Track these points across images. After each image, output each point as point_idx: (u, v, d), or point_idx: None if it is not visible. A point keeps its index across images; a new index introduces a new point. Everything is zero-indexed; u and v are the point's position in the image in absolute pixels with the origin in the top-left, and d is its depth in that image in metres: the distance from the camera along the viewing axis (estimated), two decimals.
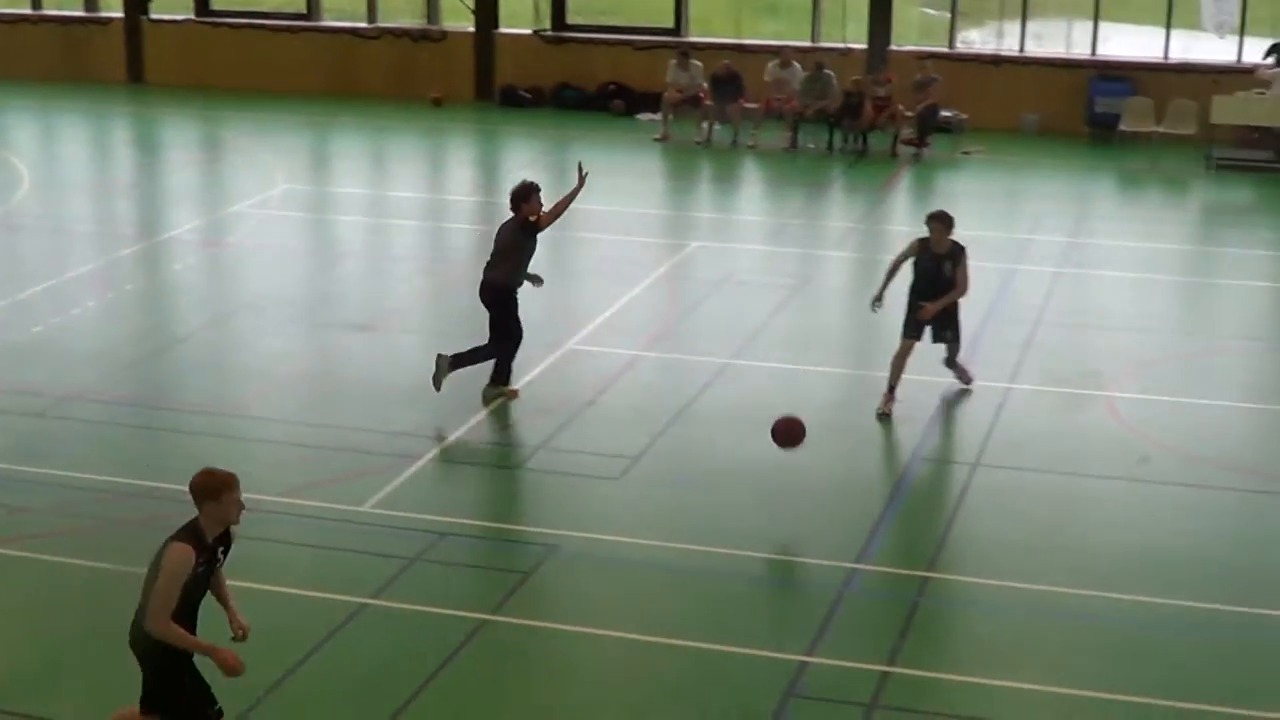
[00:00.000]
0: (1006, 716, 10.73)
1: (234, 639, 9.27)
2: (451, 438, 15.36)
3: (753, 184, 29.15)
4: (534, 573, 12.64)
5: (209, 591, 9.17)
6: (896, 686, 11.05)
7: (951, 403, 16.46)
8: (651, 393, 16.82)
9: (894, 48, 32.54)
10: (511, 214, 16.26)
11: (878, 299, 16.27)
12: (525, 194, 16.12)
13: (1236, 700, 10.89)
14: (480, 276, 16.47)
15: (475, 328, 18.85)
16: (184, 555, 8.69)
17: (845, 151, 30.06)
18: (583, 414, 16.15)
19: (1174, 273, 22.55)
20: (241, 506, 8.91)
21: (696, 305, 19.99)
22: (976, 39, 34.29)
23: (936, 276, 15.99)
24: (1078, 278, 21.70)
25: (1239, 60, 31.41)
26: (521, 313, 16.43)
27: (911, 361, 16.14)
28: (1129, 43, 33.12)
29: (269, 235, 23.37)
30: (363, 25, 35.98)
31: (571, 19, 34.97)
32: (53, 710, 10.63)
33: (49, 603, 12.19)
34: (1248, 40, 31.62)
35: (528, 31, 35.04)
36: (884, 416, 16.01)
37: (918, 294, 16.11)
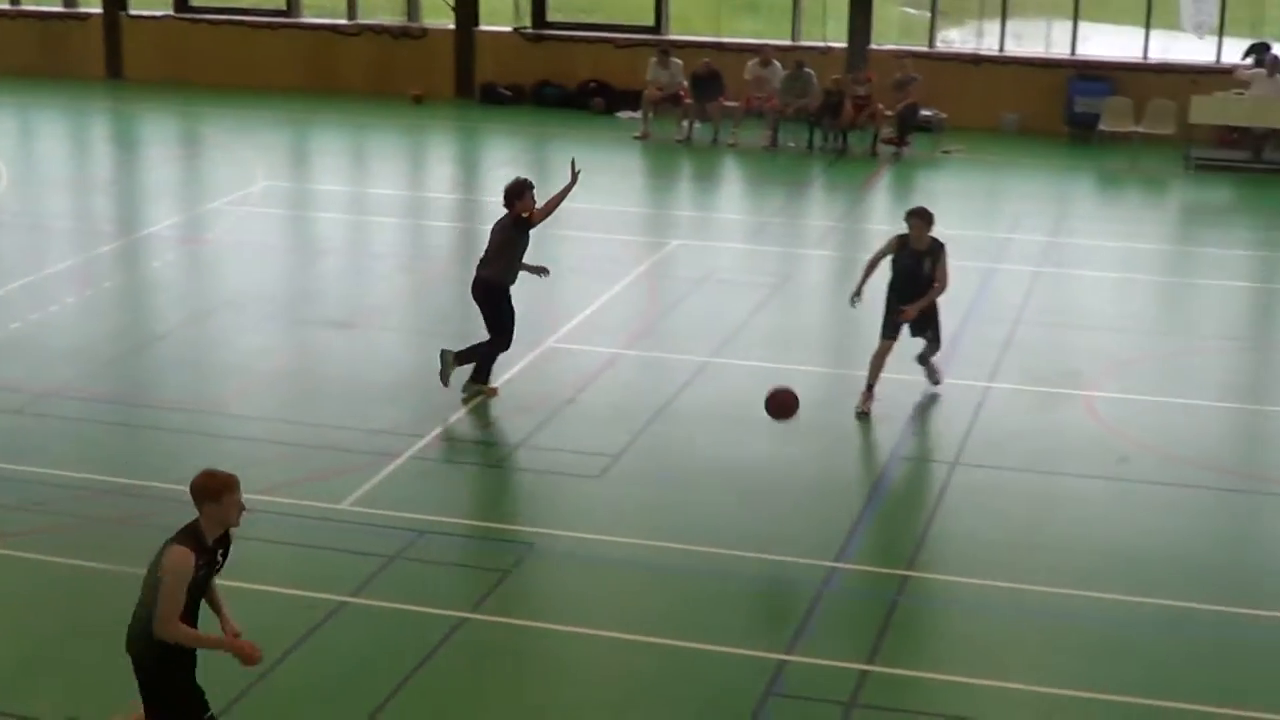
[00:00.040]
0: (986, 715, 10.74)
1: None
2: (431, 435, 15.35)
3: (733, 182, 29.16)
4: (513, 571, 12.63)
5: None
6: (876, 685, 11.06)
7: (931, 402, 16.47)
8: (631, 391, 16.82)
9: (874, 47, 32.58)
10: (505, 211, 16.26)
11: (856, 294, 16.26)
12: (518, 191, 16.17)
13: (1214, 698, 10.92)
14: (466, 274, 16.45)
15: (455, 325, 18.86)
16: (184, 558, 8.64)
17: (825, 150, 30.09)
18: (563, 412, 16.14)
19: (1153, 272, 22.60)
20: (242, 508, 8.87)
21: (677, 303, 20.00)
22: (956, 38, 34.35)
23: (916, 273, 15.97)
24: (1057, 277, 21.74)
25: (1218, 60, 31.50)
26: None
27: (891, 360, 16.15)
28: (1108, 43, 33.20)
29: (248, 232, 23.33)
30: (343, 22, 35.93)
31: (552, 17, 34.96)
32: (31, 708, 10.60)
33: (27, 600, 12.16)
34: (1226, 41, 31.73)
35: (508, 29, 35.02)
36: (863, 415, 16.01)
37: (896, 291, 16.07)
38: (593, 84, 33.93)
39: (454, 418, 15.81)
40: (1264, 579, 12.93)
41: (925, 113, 30.61)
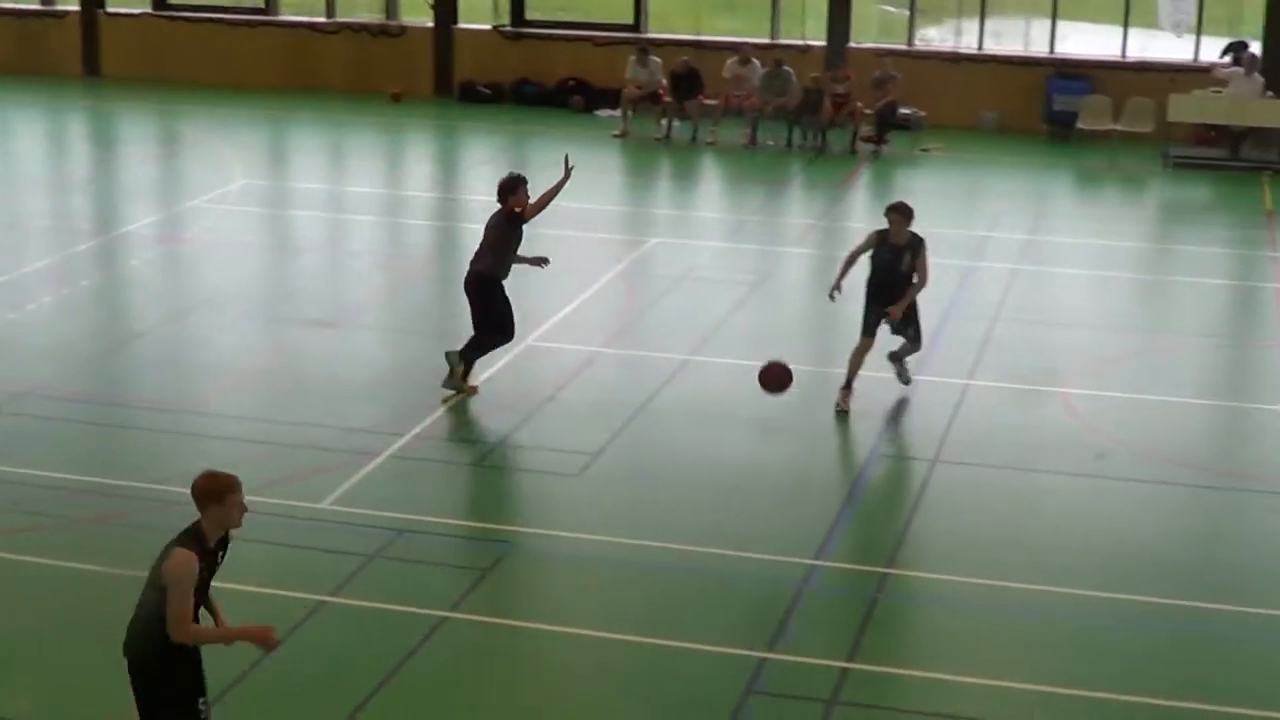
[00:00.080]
0: (965, 711, 10.76)
1: None
2: (410, 434, 15.32)
3: (712, 180, 29.17)
4: (493, 569, 12.62)
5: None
6: (856, 682, 11.08)
7: (910, 399, 16.48)
8: (611, 389, 16.82)
9: (853, 45, 32.61)
10: (499, 205, 16.29)
11: (835, 287, 16.22)
12: (512, 186, 16.23)
13: (1190, 694, 10.94)
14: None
15: (434, 323, 18.89)
16: (188, 562, 8.60)
17: (804, 148, 30.11)
18: (542, 410, 16.13)
19: (1131, 270, 22.65)
20: (244, 509, 8.84)
21: (656, 301, 20.00)
22: (935, 37, 34.39)
23: (894, 268, 15.93)
24: (1035, 275, 21.78)
25: (1196, 59, 31.57)
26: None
27: (871, 358, 16.15)
28: (1087, 41, 33.28)
29: (227, 230, 23.28)
30: (321, 20, 35.87)
31: (531, 15, 34.93)
32: (8, 708, 10.56)
33: (4, 599, 12.11)
34: (1204, 39, 31.79)
35: (487, 27, 34.99)
36: (842, 413, 16.01)
37: (875, 287, 16.04)
38: (572, 82, 33.91)
39: (433, 416, 15.79)
40: (1239, 575, 12.96)
41: (904, 111, 30.62)
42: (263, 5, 36.13)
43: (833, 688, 10.96)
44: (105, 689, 10.74)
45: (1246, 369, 18.60)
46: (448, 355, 16.29)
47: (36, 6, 37.35)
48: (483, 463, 15.03)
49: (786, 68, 30.59)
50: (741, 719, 10.55)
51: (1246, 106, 29.01)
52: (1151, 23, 32.45)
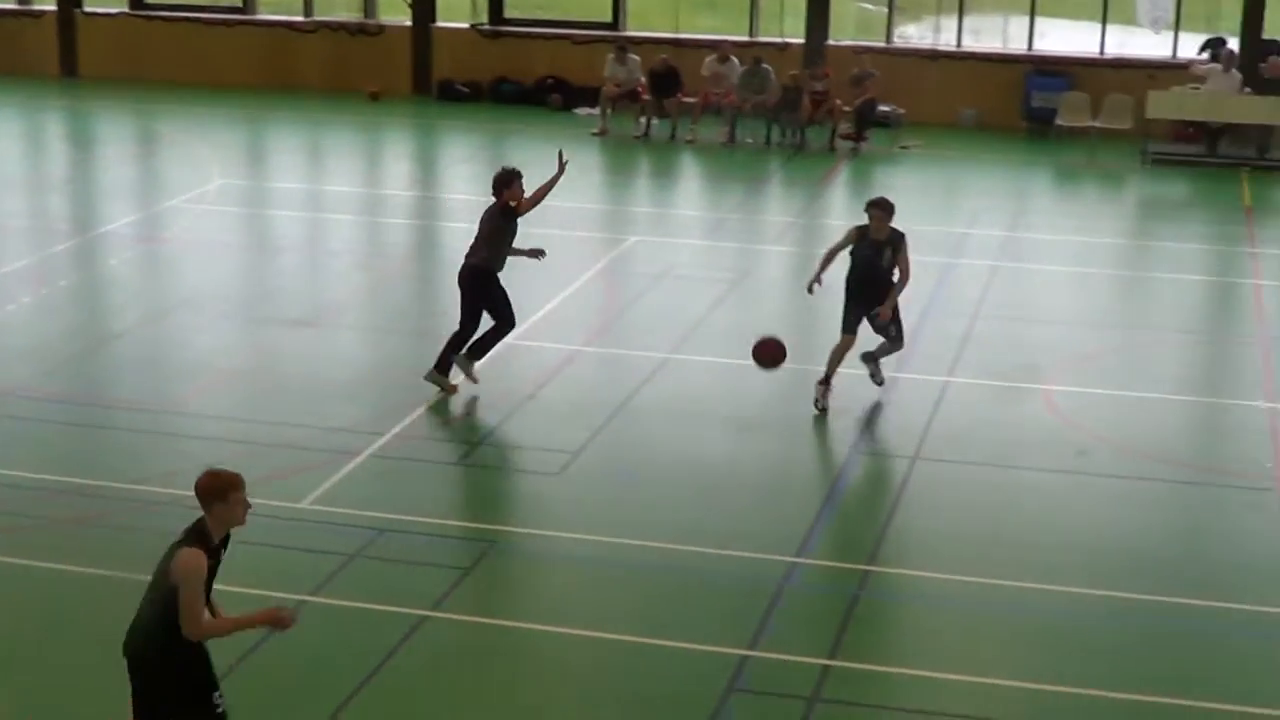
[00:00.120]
0: (946, 708, 10.77)
1: None
2: (390, 433, 15.29)
3: (691, 178, 29.18)
4: (474, 568, 12.61)
5: None
6: (837, 680, 11.08)
7: (890, 397, 16.48)
8: (591, 387, 16.81)
9: (831, 42, 32.64)
10: (494, 199, 16.31)
11: (815, 280, 16.16)
12: (506, 180, 16.25)
13: (1170, 689, 10.97)
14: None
15: (413, 321, 18.89)
16: (197, 560, 8.58)
17: (783, 146, 30.12)
18: (522, 409, 16.12)
19: (1110, 266, 22.69)
20: (248, 506, 8.82)
21: (635, 300, 19.99)
22: (914, 34, 34.43)
23: (875, 264, 15.86)
24: (1015, 272, 21.81)
25: (1174, 56, 31.66)
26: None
27: (851, 356, 16.14)
28: (1065, 38, 33.36)
29: (205, 230, 23.22)
30: (299, 19, 35.81)
31: (509, 13, 34.93)
32: None
33: None
34: (1182, 36, 31.88)
35: (465, 25, 34.97)
36: (820, 410, 15.98)
37: (855, 284, 15.98)
38: (550, 80, 33.89)
39: (413, 415, 15.76)
40: (1219, 571, 12.99)
41: (883, 108, 30.67)
42: (240, 4, 36.07)
43: (814, 685, 10.96)
44: (85, 688, 10.73)
45: (1225, 365, 18.63)
46: (457, 361, 16.36)
47: (13, 6, 37.25)
48: (463, 462, 15.01)
49: (765, 65, 30.60)
50: (723, 717, 10.54)
51: (1224, 103, 29.08)
52: (1130, 19, 32.54)
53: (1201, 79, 29.73)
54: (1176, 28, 31.78)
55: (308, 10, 35.76)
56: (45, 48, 36.44)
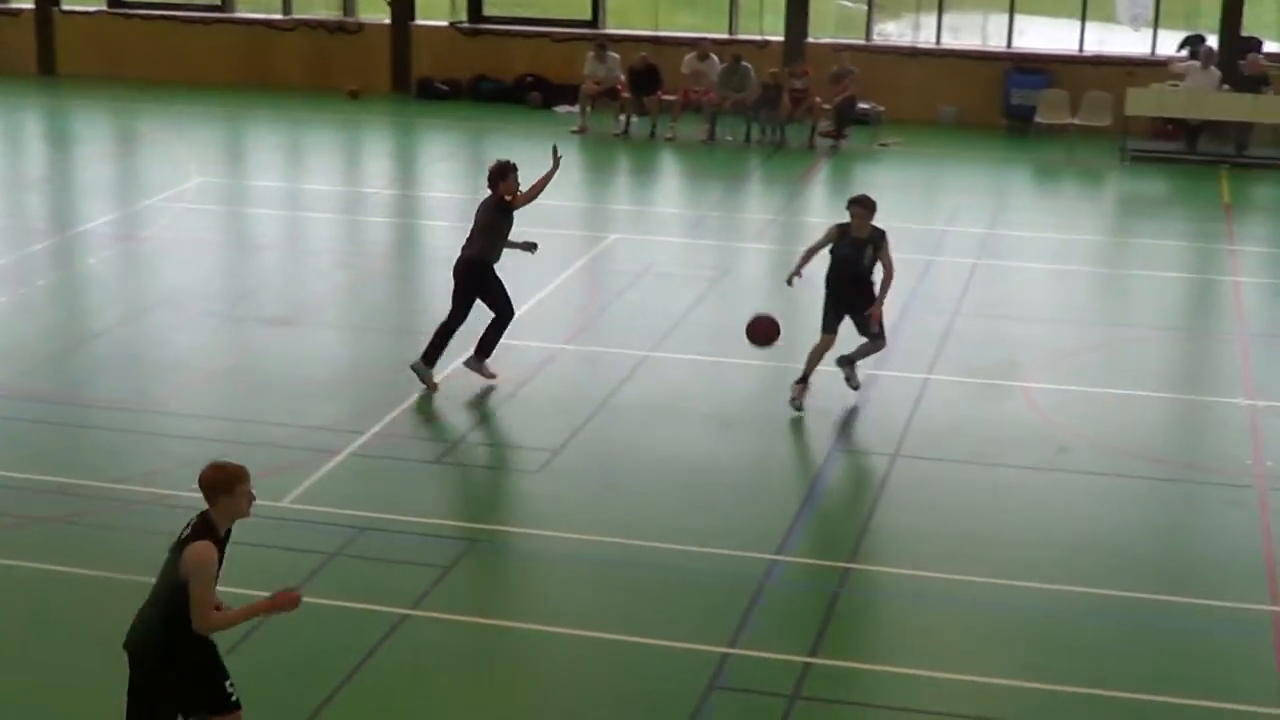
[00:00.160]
0: (927, 705, 10.78)
1: None
2: (370, 432, 15.27)
3: (671, 176, 29.17)
4: (454, 567, 12.59)
5: None
6: (818, 677, 11.08)
7: (870, 394, 16.48)
8: (572, 386, 16.80)
9: (811, 40, 32.64)
10: (489, 192, 16.40)
11: (795, 273, 16.08)
12: (501, 173, 16.31)
13: (1150, 686, 11.00)
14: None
15: (393, 320, 18.86)
16: (209, 553, 8.59)
17: (763, 144, 30.13)
18: (503, 407, 16.11)
19: (1089, 263, 22.73)
20: (252, 498, 8.82)
21: (616, 298, 19.98)
22: (893, 31, 34.45)
23: (856, 262, 15.78)
24: (995, 269, 21.84)
25: (1153, 53, 31.72)
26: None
27: (832, 354, 16.11)
28: (1044, 35, 33.38)
29: (185, 229, 23.17)
30: (278, 17, 35.73)
31: (488, 11, 34.88)
32: None
33: None
34: (1161, 33, 31.94)
35: (444, 23, 34.93)
36: (797, 409, 15.94)
37: (835, 282, 15.92)
38: (530, 78, 33.86)
39: (393, 414, 15.74)
40: (1199, 568, 13.03)
41: (863, 106, 30.71)
42: (219, 3, 35.99)
43: (795, 682, 10.96)
44: (67, 686, 10.71)
45: (1205, 362, 18.68)
46: (470, 365, 16.48)
47: None
48: (444, 460, 14.99)
49: (745, 63, 30.60)
50: (704, 714, 10.54)
51: (1203, 100, 29.14)
52: (1109, 17, 32.59)
53: (1180, 76, 29.79)
54: (1155, 25, 31.84)
55: (287, 8, 35.69)
56: (23, 46, 36.32)
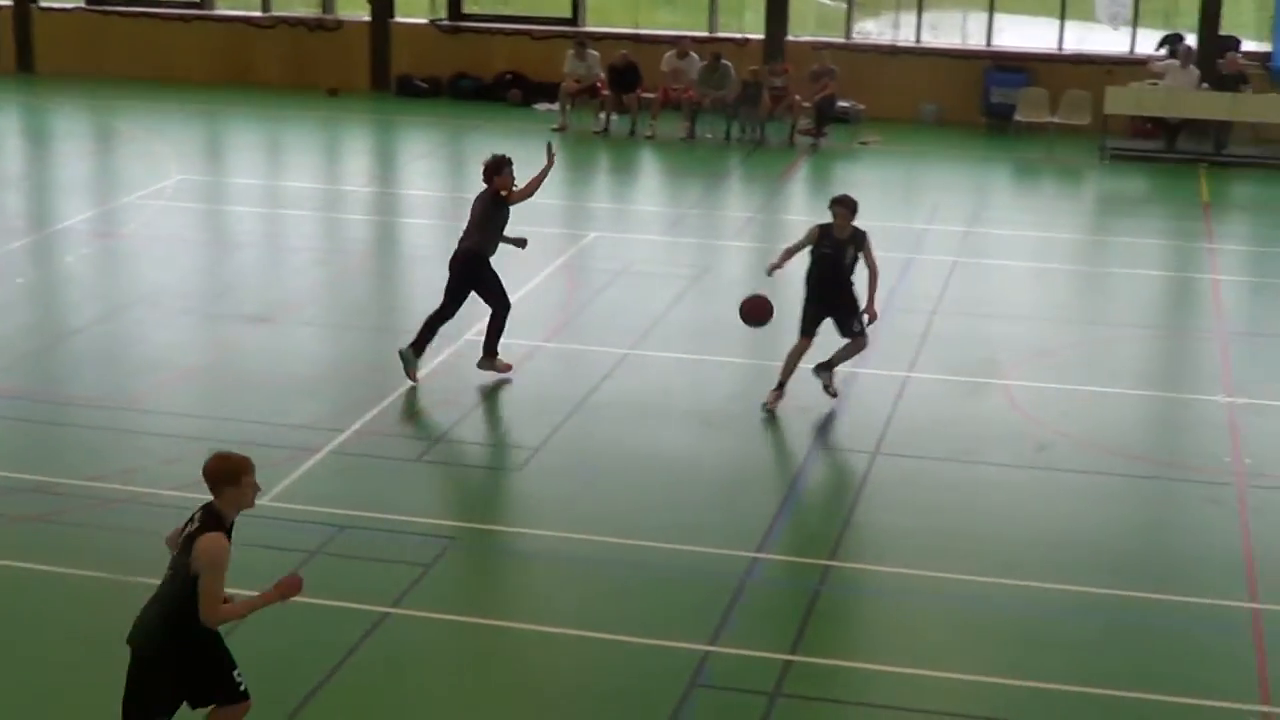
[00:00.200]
0: (908, 702, 10.78)
1: None
2: (350, 430, 15.24)
3: (651, 174, 29.16)
4: (435, 565, 12.57)
5: None
6: (799, 674, 11.08)
7: (851, 392, 16.48)
8: (552, 383, 16.77)
9: (791, 38, 32.66)
10: (484, 185, 16.45)
11: (777, 265, 15.97)
12: (497, 167, 16.40)
13: (1130, 683, 11.01)
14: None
15: (372, 318, 18.85)
16: (223, 544, 8.60)
17: (743, 142, 30.13)
18: (482, 405, 16.10)
19: (1069, 262, 22.76)
20: (257, 489, 8.81)
21: (595, 295, 19.97)
22: (873, 29, 34.46)
23: (838, 263, 15.71)
24: (974, 267, 21.84)
25: (1132, 52, 31.77)
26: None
27: (812, 352, 16.07)
28: (1024, 34, 33.42)
29: (164, 226, 23.10)
30: (257, 14, 35.66)
31: (468, 8, 34.83)
32: None
33: None
34: (1140, 32, 32.00)
35: (424, 21, 34.88)
36: (770, 412, 15.89)
37: (815, 283, 15.84)
38: (509, 76, 33.83)
39: (373, 412, 15.71)
40: (1180, 565, 13.06)
41: (842, 104, 30.71)
42: (198, 0, 35.88)
43: (776, 680, 10.96)
44: (41, 684, 10.67)
45: (1184, 360, 18.72)
46: (482, 366, 16.54)
47: None
48: (423, 458, 14.95)
49: (725, 61, 30.59)
50: (685, 712, 10.54)
51: (1182, 99, 29.20)
52: (1088, 15, 32.64)
53: (1159, 75, 29.85)
54: (1135, 24, 31.90)
55: (266, 6, 35.62)
56: (1, 44, 36.17)
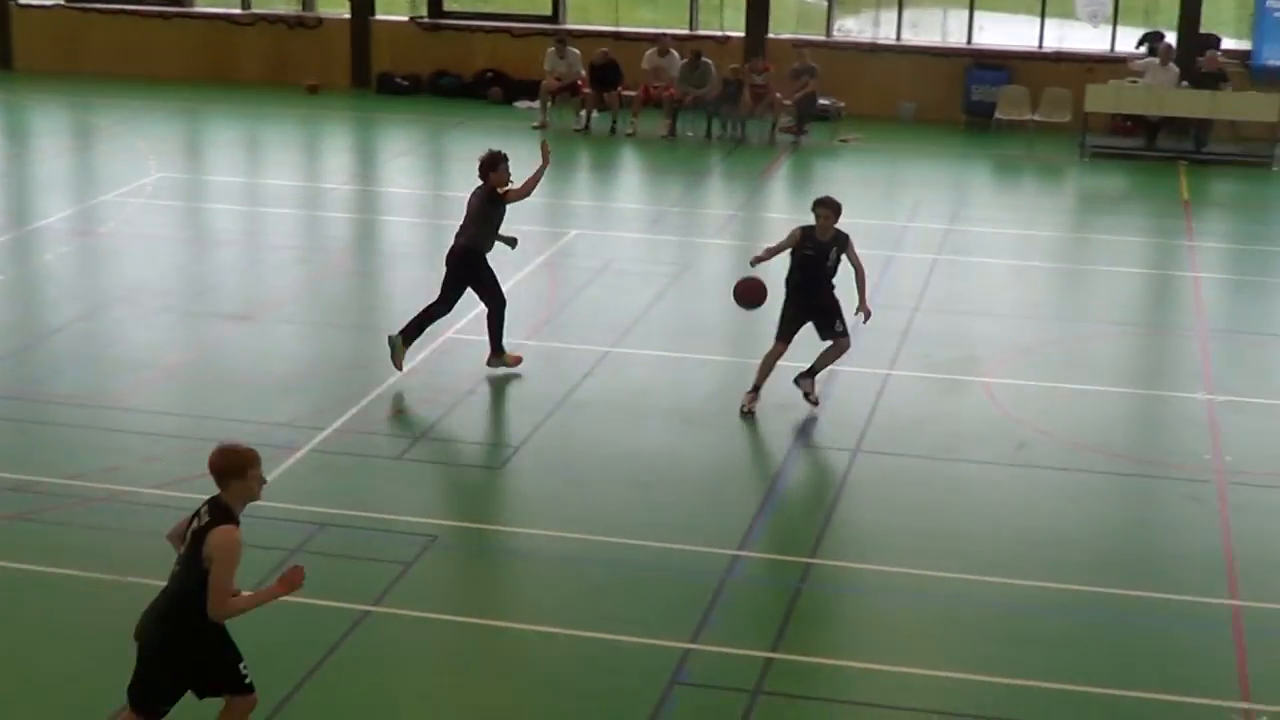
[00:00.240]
0: (889, 700, 10.78)
1: None
2: (331, 428, 15.22)
3: (631, 172, 29.13)
4: (415, 563, 12.55)
5: None
6: (780, 672, 11.08)
7: (831, 390, 16.48)
8: (533, 381, 16.76)
9: (772, 36, 32.66)
10: (480, 182, 16.50)
11: (761, 258, 15.89)
12: (492, 163, 16.47)
13: (1111, 680, 11.03)
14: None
15: (353, 316, 18.81)
16: (237, 537, 8.63)
17: (724, 139, 30.13)
18: (464, 403, 16.07)
19: (1049, 259, 22.78)
20: (263, 482, 8.81)
21: (576, 293, 19.95)
22: (853, 27, 34.48)
23: (820, 265, 15.65)
24: (955, 265, 21.86)
25: (1112, 50, 31.80)
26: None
27: (793, 349, 16.01)
28: (1004, 32, 33.46)
29: (143, 224, 23.05)
30: (237, 11, 35.58)
31: (449, 6, 34.77)
32: None
33: None
34: (1120, 30, 32.04)
35: (404, 19, 34.83)
36: (748, 414, 15.87)
37: (797, 285, 15.75)
38: (490, 74, 33.79)
39: (354, 410, 15.69)
40: (1160, 562, 13.09)
41: (823, 101, 30.70)
42: None
43: (757, 678, 10.96)
44: (22, 681, 10.64)
45: (1164, 357, 18.75)
46: (491, 364, 16.65)
47: None
48: (405, 456, 14.93)
49: (705, 59, 30.59)
50: (666, 710, 10.54)
51: (1162, 96, 29.25)
52: (1068, 13, 32.68)
53: (1139, 73, 29.91)
54: (1115, 22, 31.94)
55: (246, 3, 35.54)
56: None
